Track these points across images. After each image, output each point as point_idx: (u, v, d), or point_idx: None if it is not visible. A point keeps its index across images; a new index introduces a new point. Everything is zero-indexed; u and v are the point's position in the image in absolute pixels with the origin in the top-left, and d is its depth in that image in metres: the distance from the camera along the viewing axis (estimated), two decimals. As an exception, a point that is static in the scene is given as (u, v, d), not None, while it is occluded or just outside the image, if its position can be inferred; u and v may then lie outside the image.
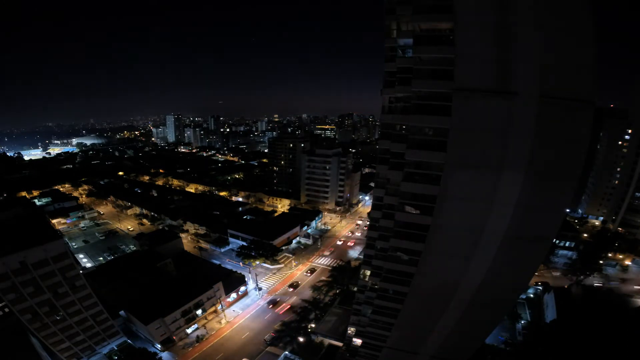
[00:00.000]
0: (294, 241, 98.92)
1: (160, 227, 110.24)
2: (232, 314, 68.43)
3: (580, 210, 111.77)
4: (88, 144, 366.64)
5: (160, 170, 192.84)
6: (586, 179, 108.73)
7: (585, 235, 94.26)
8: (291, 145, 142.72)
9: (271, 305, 70.70)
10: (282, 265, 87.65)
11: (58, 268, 49.71)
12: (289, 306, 70.45)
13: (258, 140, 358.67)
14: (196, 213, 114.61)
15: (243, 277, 75.72)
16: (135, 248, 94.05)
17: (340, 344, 54.46)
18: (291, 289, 76.85)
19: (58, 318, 51.32)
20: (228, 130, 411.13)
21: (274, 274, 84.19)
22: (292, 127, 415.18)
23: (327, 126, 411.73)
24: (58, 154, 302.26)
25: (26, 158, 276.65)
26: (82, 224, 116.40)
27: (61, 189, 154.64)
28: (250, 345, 59.72)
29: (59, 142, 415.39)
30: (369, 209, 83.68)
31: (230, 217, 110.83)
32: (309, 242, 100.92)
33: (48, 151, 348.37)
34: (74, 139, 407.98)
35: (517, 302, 63.59)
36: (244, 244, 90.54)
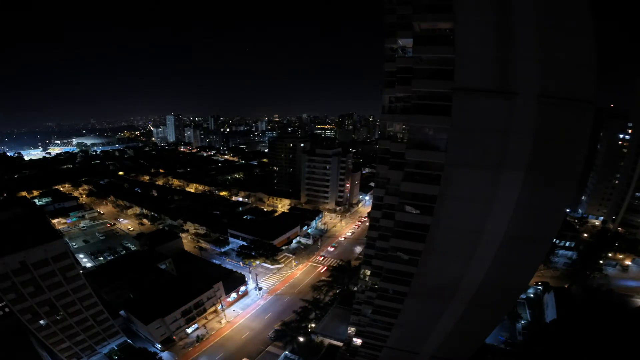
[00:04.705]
0: (294, 241, 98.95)
1: (160, 227, 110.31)
2: (232, 314, 68.49)
3: (580, 210, 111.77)
4: (88, 144, 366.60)
5: (160, 170, 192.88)
6: (586, 179, 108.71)
7: (585, 235, 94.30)
8: (291, 145, 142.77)
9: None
10: (282, 265, 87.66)
11: (58, 268, 49.72)
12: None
13: (258, 140, 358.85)
14: (196, 213, 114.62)
15: (243, 277, 75.76)
16: (135, 248, 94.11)
17: (340, 344, 54.48)
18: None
19: (58, 318, 51.34)
20: (228, 130, 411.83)
21: (274, 273, 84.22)
22: (292, 127, 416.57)
23: (327, 126, 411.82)
24: (58, 154, 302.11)
25: (26, 158, 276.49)
26: (82, 224, 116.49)
27: (61, 189, 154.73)
28: (251, 345, 59.78)
29: (59, 142, 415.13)
30: (369, 209, 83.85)
31: (230, 217, 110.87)
32: (309, 242, 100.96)
33: (48, 151, 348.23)
34: (74, 139, 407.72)
35: (517, 302, 63.56)
36: (244, 243, 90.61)
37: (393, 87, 31.82)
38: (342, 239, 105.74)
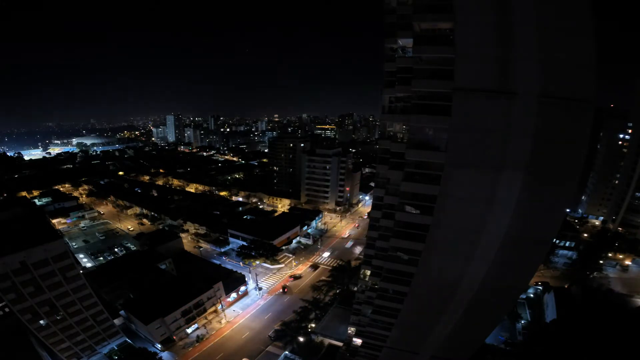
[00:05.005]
0: (294, 241, 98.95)
1: (160, 227, 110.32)
2: (232, 314, 68.50)
3: (580, 210, 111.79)
4: (88, 144, 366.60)
5: (160, 170, 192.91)
6: (586, 179, 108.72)
7: (585, 235, 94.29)
8: (291, 145, 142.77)
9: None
10: (282, 265, 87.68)
11: (58, 268, 49.76)
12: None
13: (258, 140, 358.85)
14: (196, 213, 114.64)
15: (243, 277, 75.76)
16: (135, 248, 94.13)
17: (340, 344, 54.49)
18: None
19: (58, 318, 51.38)
20: (228, 130, 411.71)
21: (274, 273, 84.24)
22: (292, 127, 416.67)
23: (327, 126, 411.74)
24: (58, 154, 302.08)
25: (26, 158, 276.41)
26: (82, 224, 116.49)
27: (61, 189, 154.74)
28: (251, 345, 59.80)
29: (59, 142, 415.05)
30: (369, 209, 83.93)
31: (230, 217, 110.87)
32: (309, 242, 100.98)
33: (48, 151, 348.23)
34: (74, 139, 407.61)
35: (517, 302, 63.58)
36: (244, 243, 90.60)
37: (393, 87, 31.79)
38: (346, 236, 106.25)
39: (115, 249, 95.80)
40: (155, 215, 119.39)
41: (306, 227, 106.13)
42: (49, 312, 50.27)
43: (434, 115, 27.58)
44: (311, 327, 59.06)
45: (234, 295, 71.95)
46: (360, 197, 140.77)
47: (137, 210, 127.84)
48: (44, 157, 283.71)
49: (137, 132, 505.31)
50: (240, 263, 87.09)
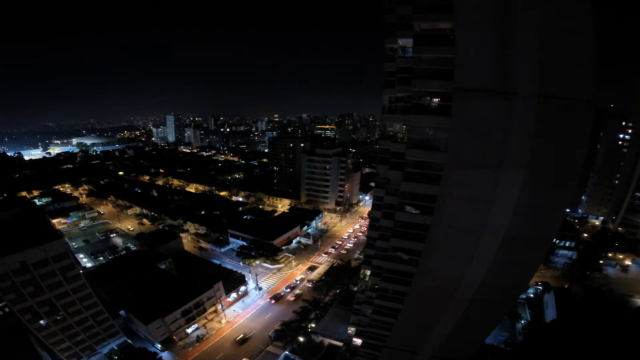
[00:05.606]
0: (294, 241, 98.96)
1: (160, 227, 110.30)
2: (232, 314, 68.48)
3: (580, 210, 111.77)
4: (88, 144, 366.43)
5: (160, 170, 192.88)
6: (586, 179, 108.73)
7: (585, 235, 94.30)
8: (291, 145, 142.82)
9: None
10: (282, 265, 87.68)
11: (58, 268, 49.72)
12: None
13: (258, 140, 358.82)
14: (196, 213, 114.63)
15: (243, 277, 75.76)
16: (135, 248, 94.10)
17: (340, 344, 54.49)
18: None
19: (58, 318, 51.34)
20: (228, 130, 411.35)
21: (274, 273, 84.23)
22: (292, 127, 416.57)
23: (327, 126, 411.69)
24: (58, 154, 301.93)
25: (26, 158, 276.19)
26: (82, 224, 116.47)
27: (61, 189, 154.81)
28: (251, 345, 59.76)
29: (59, 142, 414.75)
30: (369, 209, 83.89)
31: (230, 217, 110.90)
32: (309, 242, 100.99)
33: (48, 151, 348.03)
34: (74, 139, 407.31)
35: (517, 302, 63.56)
36: (244, 243, 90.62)
37: (393, 87, 31.83)
38: (346, 235, 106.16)
39: (116, 248, 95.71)
40: (155, 215, 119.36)
41: (306, 227, 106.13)
42: (49, 312, 50.24)
43: (434, 115, 27.60)
44: (311, 327, 59.07)
45: (234, 295, 71.93)
46: (360, 197, 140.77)
47: (137, 210, 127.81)
48: (44, 157, 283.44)
49: (137, 132, 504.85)
50: (240, 263, 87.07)
